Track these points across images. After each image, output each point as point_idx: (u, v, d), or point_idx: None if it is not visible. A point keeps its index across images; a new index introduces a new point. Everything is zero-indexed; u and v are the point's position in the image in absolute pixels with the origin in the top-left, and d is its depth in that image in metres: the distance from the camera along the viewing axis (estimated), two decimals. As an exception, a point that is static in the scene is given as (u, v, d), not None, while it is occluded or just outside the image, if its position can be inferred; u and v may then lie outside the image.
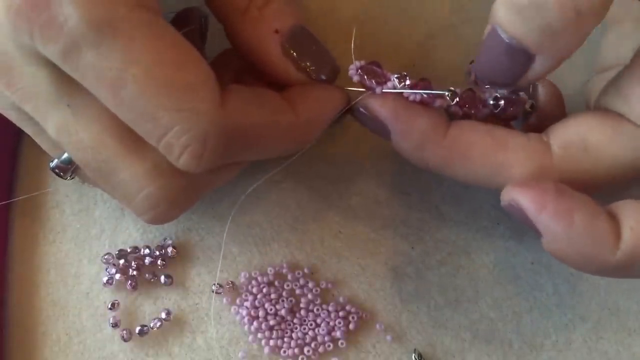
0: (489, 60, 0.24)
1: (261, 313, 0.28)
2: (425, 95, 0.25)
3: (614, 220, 0.22)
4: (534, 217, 0.23)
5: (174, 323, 0.29)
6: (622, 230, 0.22)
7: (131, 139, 0.23)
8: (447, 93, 0.25)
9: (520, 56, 0.23)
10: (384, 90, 0.25)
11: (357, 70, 0.25)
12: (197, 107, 0.21)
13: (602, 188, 0.25)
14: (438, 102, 0.25)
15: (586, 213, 0.22)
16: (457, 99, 0.25)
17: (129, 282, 0.29)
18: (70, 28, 0.20)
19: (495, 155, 0.25)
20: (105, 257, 0.29)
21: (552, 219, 0.22)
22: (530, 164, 0.24)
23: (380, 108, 0.25)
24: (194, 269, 0.29)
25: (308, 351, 0.28)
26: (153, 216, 0.24)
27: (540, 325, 0.29)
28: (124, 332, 0.28)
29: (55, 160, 0.26)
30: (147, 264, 0.29)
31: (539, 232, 0.23)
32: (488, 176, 0.25)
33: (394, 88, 0.25)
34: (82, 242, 0.30)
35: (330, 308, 0.29)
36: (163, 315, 0.29)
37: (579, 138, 0.24)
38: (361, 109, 0.26)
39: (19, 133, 0.31)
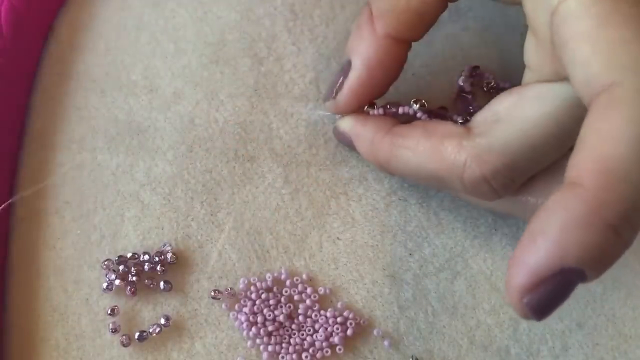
0: None
1: (260, 319, 0.29)
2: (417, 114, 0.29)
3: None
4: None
5: (172, 329, 0.29)
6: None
7: None
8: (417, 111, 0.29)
9: None
10: (373, 112, 0.29)
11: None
12: None
13: (542, 161, 0.25)
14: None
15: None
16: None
17: (128, 287, 0.29)
18: None
19: (425, 141, 0.26)
20: (105, 263, 0.29)
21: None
22: (455, 146, 0.25)
23: (343, 124, 0.30)
24: (193, 275, 0.30)
25: (306, 357, 0.28)
26: None
27: (537, 331, 0.29)
28: (123, 337, 0.28)
29: None
30: (146, 270, 0.29)
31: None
32: (421, 164, 0.26)
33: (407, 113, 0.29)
34: (82, 248, 0.30)
35: (328, 314, 0.29)
36: (162, 321, 0.29)
37: (491, 112, 0.25)
38: (336, 130, 0.30)
39: (20, 138, 0.31)
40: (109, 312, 0.29)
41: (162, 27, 0.33)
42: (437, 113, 0.30)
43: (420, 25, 0.27)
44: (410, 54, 0.28)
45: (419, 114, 0.29)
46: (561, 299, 0.20)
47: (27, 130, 0.32)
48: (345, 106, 0.29)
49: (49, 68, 0.33)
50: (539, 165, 0.25)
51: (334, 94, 0.29)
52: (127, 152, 0.31)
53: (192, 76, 0.32)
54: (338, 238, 0.30)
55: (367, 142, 0.28)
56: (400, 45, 0.27)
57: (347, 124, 0.29)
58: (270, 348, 0.28)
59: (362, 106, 0.29)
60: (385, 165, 0.28)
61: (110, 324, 0.28)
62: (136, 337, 0.28)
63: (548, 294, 0.20)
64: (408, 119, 0.29)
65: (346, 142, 0.30)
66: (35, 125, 0.32)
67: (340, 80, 0.28)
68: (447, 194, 0.31)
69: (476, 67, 0.32)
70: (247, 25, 0.33)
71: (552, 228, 0.19)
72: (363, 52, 0.27)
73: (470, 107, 0.31)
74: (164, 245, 0.30)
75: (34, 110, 0.32)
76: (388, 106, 0.29)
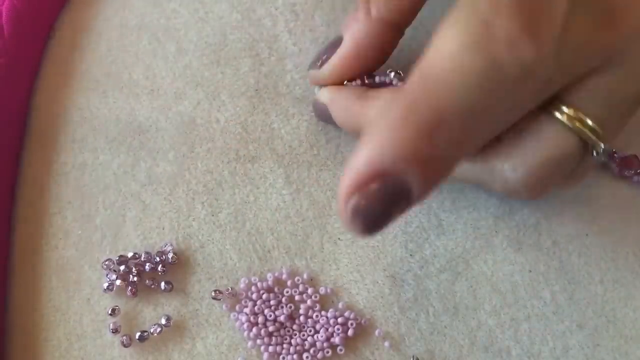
0: None
1: (260, 319, 0.29)
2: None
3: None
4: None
5: (173, 329, 0.29)
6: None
7: None
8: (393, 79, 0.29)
9: None
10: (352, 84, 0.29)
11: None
12: None
13: (482, 121, 0.21)
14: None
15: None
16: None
17: (129, 288, 0.29)
18: None
19: (355, 105, 0.28)
20: (106, 263, 0.29)
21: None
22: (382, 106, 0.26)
23: (322, 95, 0.30)
24: (194, 275, 0.30)
25: (307, 357, 0.28)
26: None
27: (538, 332, 0.29)
28: (124, 337, 0.28)
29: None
30: (147, 270, 0.29)
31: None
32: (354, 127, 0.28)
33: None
34: (84, 249, 0.30)
35: (329, 314, 0.29)
36: (163, 321, 0.29)
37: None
38: (315, 103, 0.30)
39: (21, 138, 0.31)
40: (109, 312, 0.29)
41: (164, 27, 0.33)
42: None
43: (412, 11, 0.28)
44: (412, 57, 0.28)
45: (394, 82, 0.29)
46: (386, 212, 0.20)
47: (29, 130, 0.32)
48: (328, 77, 0.29)
49: (51, 68, 0.33)
50: (483, 126, 0.22)
51: (319, 65, 0.29)
52: (129, 152, 0.31)
53: (194, 76, 0.32)
54: (339, 238, 0.30)
55: (342, 108, 0.29)
56: (391, 30, 0.28)
57: (325, 94, 0.29)
58: (271, 348, 0.28)
59: (342, 81, 0.29)
60: (357, 129, 0.28)
61: (111, 324, 0.29)
62: (137, 337, 0.28)
63: (371, 200, 0.20)
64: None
65: (323, 116, 0.30)
66: (37, 126, 0.32)
67: (328, 54, 0.29)
68: (448, 195, 0.31)
69: None
70: (249, 26, 0.33)
71: (374, 133, 0.20)
72: (355, 31, 0.28)
73: None
74: (165, 245, 0.30)
75: (36, 111, 0.32)
76: (366, 78, 0.29)
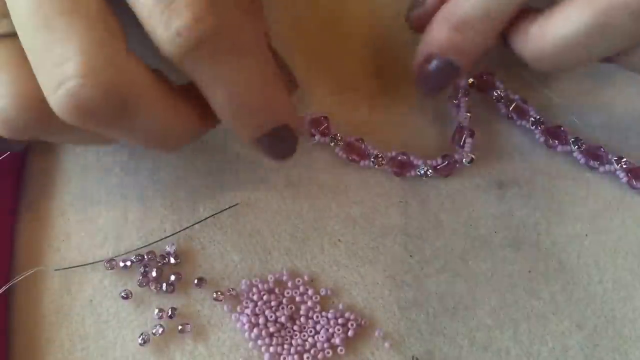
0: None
1: (261, 320, 0.29)
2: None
3: None
4: None
5: (175, 330, 0.29)
6: None
7: None
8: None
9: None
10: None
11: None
12: None
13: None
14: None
15: None
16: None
17: (130, 290, 0.29)
18: None
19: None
20: (108, 263, 0.29)
21: None
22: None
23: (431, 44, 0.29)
24: (196, 276, 0.30)
25: (307, 358, 0.28)
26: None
27: (537, 332, 0.29)
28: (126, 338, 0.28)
29: None
30: (149, 271, 0.30)
31: None
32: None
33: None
34: (86, 250, 0.30)
35: (329, 315, 0.29)
36: (164, 322, 0.29)
37: None
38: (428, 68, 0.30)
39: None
40: (123, 295, 0.29)
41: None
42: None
43: None
44: (411, 57, 0.29)
45: None
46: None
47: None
48: (432, 10, 0.29)
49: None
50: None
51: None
52: (131, 155, 0.31)
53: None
54: (339, 240, 0.30)
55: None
56: None
57: (438, 35, 0.28)
58: (272, 349, 0.28)
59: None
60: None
61: (123, 293, 0.29)
62: (139, 338, 0.29)
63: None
64: None
65: (439, 77, 0.29)
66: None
67: None
68: (447, 196, 0.31)
69: (489, 74, 0.32)
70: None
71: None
72: None
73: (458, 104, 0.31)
74: (167, 246, 0.30)
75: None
76: None
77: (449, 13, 0.27)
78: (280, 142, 0.26)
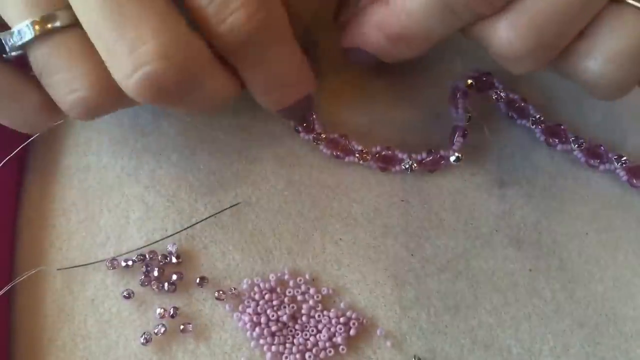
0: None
1: (263, 319, 0.29)
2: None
3: None
4: None
5: (177, 329, 0.29)
6: None
7: None
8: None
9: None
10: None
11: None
12: None
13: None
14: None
15: None
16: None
17: (132, 290, 0.29)
18: None
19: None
20: (109, 263, 0.30)
21: None
22: None
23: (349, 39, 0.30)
24: (197, 276, 0.30)
25: (309, 357, 0.28)
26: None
27: (539, 331, 0.29)
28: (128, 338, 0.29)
29: None
30: (151, 271, 0.30)
31: None
32: None
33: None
34: (88, 250, 0.30)
35: (331, 314, 0.29)
36: (166, 322, 0.29)
37: None
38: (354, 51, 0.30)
39: (26, 140, 0.32)
40: (125, 295, 0.29)
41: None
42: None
43: None
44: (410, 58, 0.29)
45: None
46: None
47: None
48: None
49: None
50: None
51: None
52: (132, 154, 0.32)
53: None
54: (340, 239, 0.30)
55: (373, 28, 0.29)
56: None
57: (352, 32, 0.29)
58: (273, 348, 0.29)
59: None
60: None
61: (125, 292, 0.29)
62: (141, 337, 0.29)
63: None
64: None
65: (364, 56, 0.30)
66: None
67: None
68: (448, 195, 0.31)
69: (487, 74, 0.32)
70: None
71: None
72: None
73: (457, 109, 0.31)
74: (169, 246, 0.30)
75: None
76: None
77: (386, 23, 0.27)
78: (300, 109, 0.30)
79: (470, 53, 0.33)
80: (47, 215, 0.31)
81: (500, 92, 0.32)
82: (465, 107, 0.31)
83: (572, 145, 0.31)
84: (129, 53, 0.22)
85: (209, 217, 0.30)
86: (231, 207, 0.30)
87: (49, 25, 0.24)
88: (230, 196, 0.31)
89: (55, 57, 0.24)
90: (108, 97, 0.24)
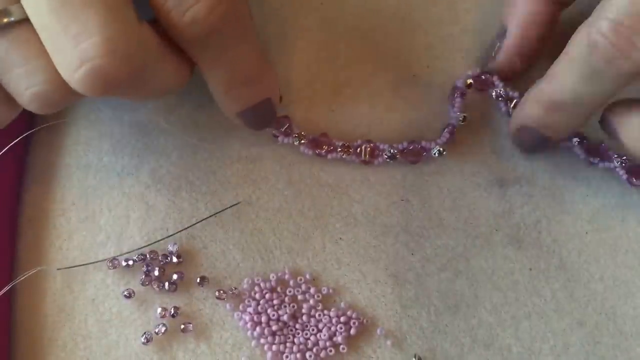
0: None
1: (264, 319, 0.29)
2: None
3: None
4: None
5: (177, 329, 0.29)
6: None
7: None
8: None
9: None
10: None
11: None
12: None
13: None
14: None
15: None
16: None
17: (132, 289, 0.29)
18: None
19: None
20: (110, 263, 0.30)
21: None
22: None
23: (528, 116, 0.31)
24: (198, 275, 0.30)
25: (310, 356, 0.28)
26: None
27: (539, 330, 0.29)
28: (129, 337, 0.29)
29: None
30: (151, 270, 0.30)
31: None
32: None
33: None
34: (88, 249, 0.30)
35: (331, 314, 0.29)
36: (167, 321, 0.29)
37: None
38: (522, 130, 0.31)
39: (26, 140, 0.32)
40: (125, 294, 0.29)
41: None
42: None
43: None
44: (410, 56, 0.29)
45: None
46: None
47: (34, 132, 0.32)
48: (505, 62, 0.31)
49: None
50: None
51: (493, 55, 0.31)
52: (132, 153, 0.32)
53: (196, 78, 0.33)
54: (340, 238, 0.30)
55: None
56: (552, 5, 0.30)
57: (525, 110, 0.29)
58: (274, 347, 0.29)
59: (518, 66, 0.31)
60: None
61: (126, 291, 0.29)
62: (141, 337, 0.29)
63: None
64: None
65: (531, 142, 0.30)
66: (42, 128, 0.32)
67: (498, 45, 0.31)
68: (448, 194, 0.31)
69: (488, 73, 0.32)
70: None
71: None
72: (517, 13, 0.30)
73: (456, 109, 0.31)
74: (169, 246, 0.30)
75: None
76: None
77: (542, 93, 0.28)
78: (261, 114, 0.29)
79: (471, 52, 0.33)
80: (47, 215, 0.31)
81: (501, 90, 0.32)
82: (462, 107, 0.31)
83: (573, 142, 0.31)
84: (73, 47, 0.22)
85: (210, 216, 0.30)
86: (231, 206, 0.30)
87: (5, 20, 0.23)
88: (230, 196, 0.31)
89: (12, 52, 0.23)
90: (66, 90, 0.24)
